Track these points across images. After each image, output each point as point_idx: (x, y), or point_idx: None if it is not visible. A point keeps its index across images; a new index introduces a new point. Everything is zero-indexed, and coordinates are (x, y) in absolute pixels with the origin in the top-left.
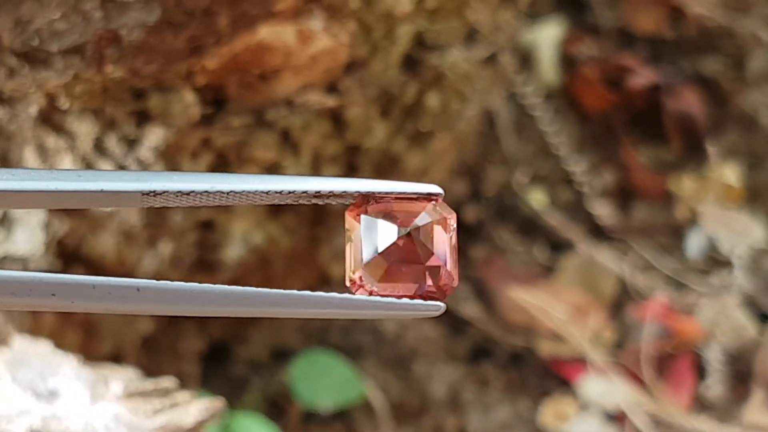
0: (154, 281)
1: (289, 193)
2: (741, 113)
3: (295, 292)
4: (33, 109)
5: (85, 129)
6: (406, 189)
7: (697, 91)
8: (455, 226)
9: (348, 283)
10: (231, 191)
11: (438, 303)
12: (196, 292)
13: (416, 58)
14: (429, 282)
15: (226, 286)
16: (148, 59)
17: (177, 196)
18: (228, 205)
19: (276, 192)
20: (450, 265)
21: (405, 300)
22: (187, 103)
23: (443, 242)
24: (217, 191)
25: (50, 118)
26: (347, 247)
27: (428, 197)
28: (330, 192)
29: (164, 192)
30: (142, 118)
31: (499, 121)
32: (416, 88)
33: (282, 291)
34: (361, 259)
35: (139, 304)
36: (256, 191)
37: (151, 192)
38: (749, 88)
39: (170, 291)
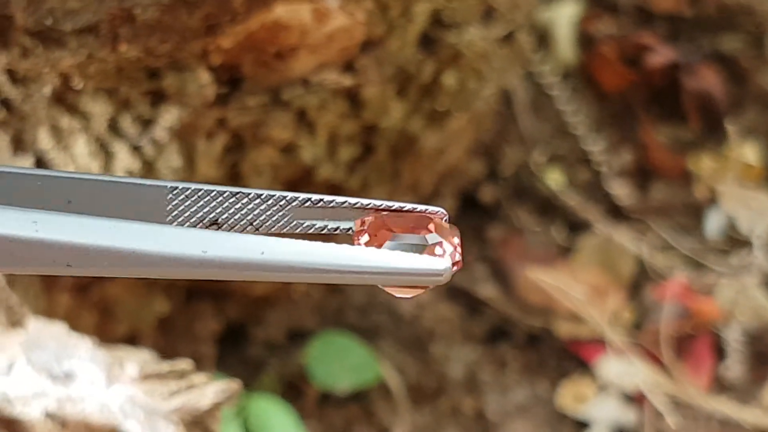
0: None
1: (296, 199)
2: (760, 91)
3: (294, 240)
4: (47, 89)
5: (99, 109)
6: (410, 207)
7: (716, 69)
8: (458, 242)
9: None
10: (239, 192)
11: (444, 262)
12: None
13: (433, 36)
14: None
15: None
16: (162, 38)
17: (192, 195)
18: (241, 230)
19: (285, 197)
20: (451, 242)
21: (411, 254)
22: (202, 82)
23: (443, 234)
24: (227, 191)
25: (64, 99)
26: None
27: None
28: (332, 201)
29: (187, 190)
30: (157, 97)
31: (517, 100)
32: (433, 67)
33: (276, 238)
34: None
35: None
36: (264, 195)
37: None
38: None
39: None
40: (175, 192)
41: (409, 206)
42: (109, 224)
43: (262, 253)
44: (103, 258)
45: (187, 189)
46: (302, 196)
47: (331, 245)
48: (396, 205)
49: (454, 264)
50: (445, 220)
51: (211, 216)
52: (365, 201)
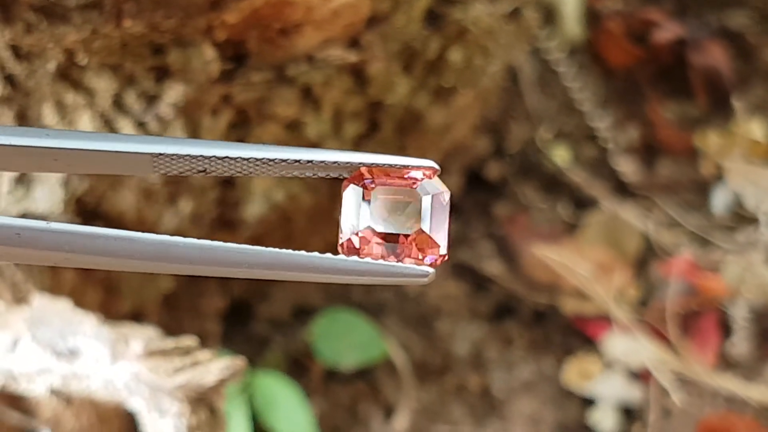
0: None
1: (284, 161)
2: (767, 68)
3: (281, 250)
4: (51, 65)
5: (103, 85)
6: (401, 163)
7: (723, 45)
8: (448, 202)
9: (339, 249)
10: (226, 157)
11: (426, 268)
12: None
13: (439, 12)
14: (415, 250)
15: (203, 241)
16: (167, 14)
17: (178, 158)
18: (229, 175)
19: (273, 160)
20: (438, 237)
21: (393, 263)
22: (207, 58)
23: (432, 216)
24: (212, 156)
25: (69, 74)
26: (341, 216)
27: (423, 173)
28: (323, 161)
29: (173, 155)
30: (162, 73)
31: (523, 76)
32: (439, 43)
33: (266, 249)
34: (351, 228)
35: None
36: (250, 158)
37: (160, 154)
38: None
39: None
40: (160, 156)
41: (399, 162)
42: (91, 232)
43: (248, 266)
44: (87, 261)
45: (172, 155)
46: (291, 157)
47: (315, 255)
48: (385, 160)
49: (439, 259)
50: (437, 175)
51: (199, 167)
52: (355, 159)
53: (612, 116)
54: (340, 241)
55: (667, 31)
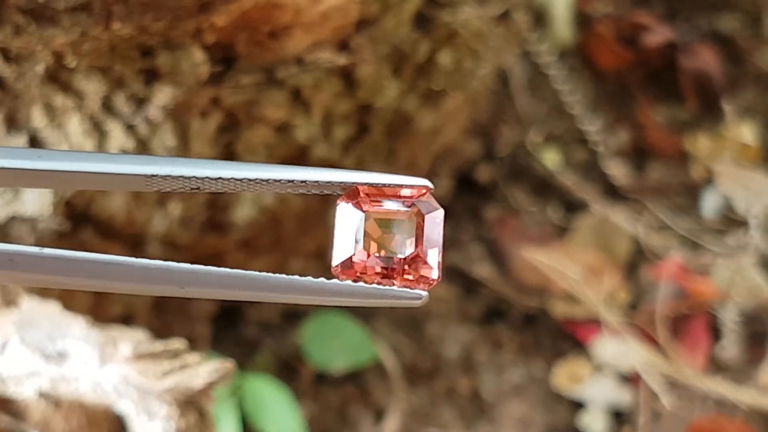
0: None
1: (277, 181)
2: (758, 71)
3: (274, 275)
4: (40, 68)
5: (93, 87)
6: (395, 182)
7: (714, 48)
8: (441, 220)
9: (332, 271)
10: (219, 177)
11: (420, 292)
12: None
13: (428, 15)
14: (409, 273)
15: (197, 266)
16: (156, 16)
17: (172, 178)
18: (223, 192)
19: (267, 180)
20: (431, 258)
21: (387, 287)
22: (196, 61)
23: (426, 235)
24: (206, 177)
25: (58, 77)
26: (334, 235)
27: (417, 191)
28: (316, 181)
29: (166, 176)
30: (151, 76)
31: (513, 79)
32: (428, 46)
33: (259, 274)
34: (344, 247)
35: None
36: (243, 178)
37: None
38: (766, 46)
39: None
40: (153, 177)
41: (392, 181)
42: (84, 257)
43: (241, 289)
44: (80, 284)
45: (166, 176)
46: (285, 176)
47: (309, 280)
48: (378, 179)
49: (433, 281)
50: (430, 194)
51: (192, 185)
52: (348, 179)
53: (602, 119)
54: (334, 263)
55: (658, 35)
